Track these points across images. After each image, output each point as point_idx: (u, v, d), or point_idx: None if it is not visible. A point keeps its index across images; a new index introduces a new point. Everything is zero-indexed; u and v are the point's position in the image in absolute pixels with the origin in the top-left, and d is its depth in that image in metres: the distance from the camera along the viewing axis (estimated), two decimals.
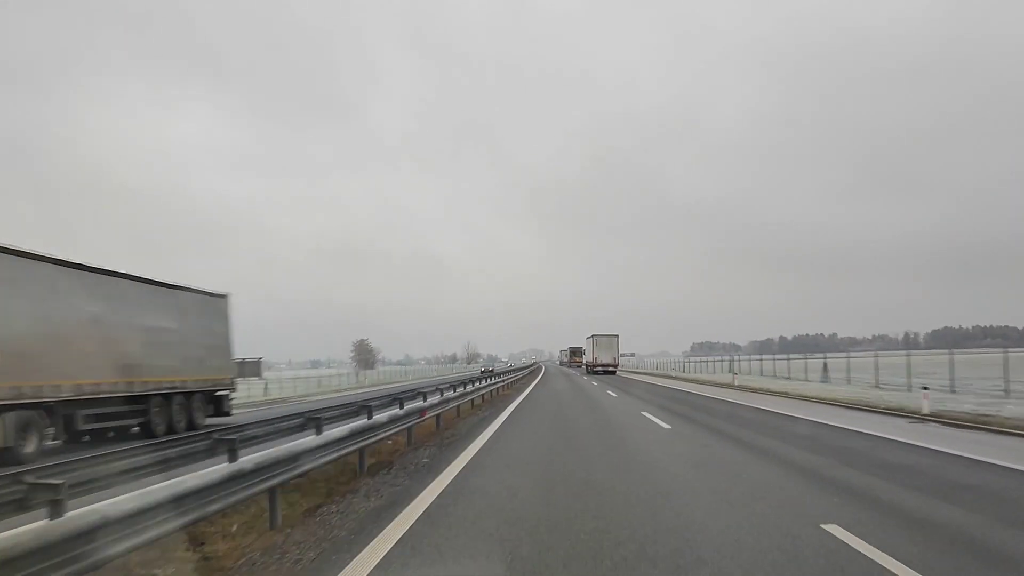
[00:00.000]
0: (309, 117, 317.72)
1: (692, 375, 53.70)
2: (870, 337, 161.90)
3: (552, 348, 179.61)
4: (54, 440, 13.63)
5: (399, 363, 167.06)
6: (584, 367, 73.22)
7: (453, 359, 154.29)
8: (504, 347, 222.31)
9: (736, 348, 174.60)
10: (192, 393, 18.08)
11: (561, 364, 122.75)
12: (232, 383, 20.87)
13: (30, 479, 4.57)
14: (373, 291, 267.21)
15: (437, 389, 16.80)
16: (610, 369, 60.46)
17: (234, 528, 6.05)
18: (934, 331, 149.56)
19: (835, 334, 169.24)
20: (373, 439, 9.51)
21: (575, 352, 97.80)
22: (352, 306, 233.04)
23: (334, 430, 7.95)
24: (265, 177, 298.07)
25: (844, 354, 39.77)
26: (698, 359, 76.70)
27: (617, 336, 61.89)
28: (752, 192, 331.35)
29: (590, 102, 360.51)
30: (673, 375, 54.54)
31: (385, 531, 5.79)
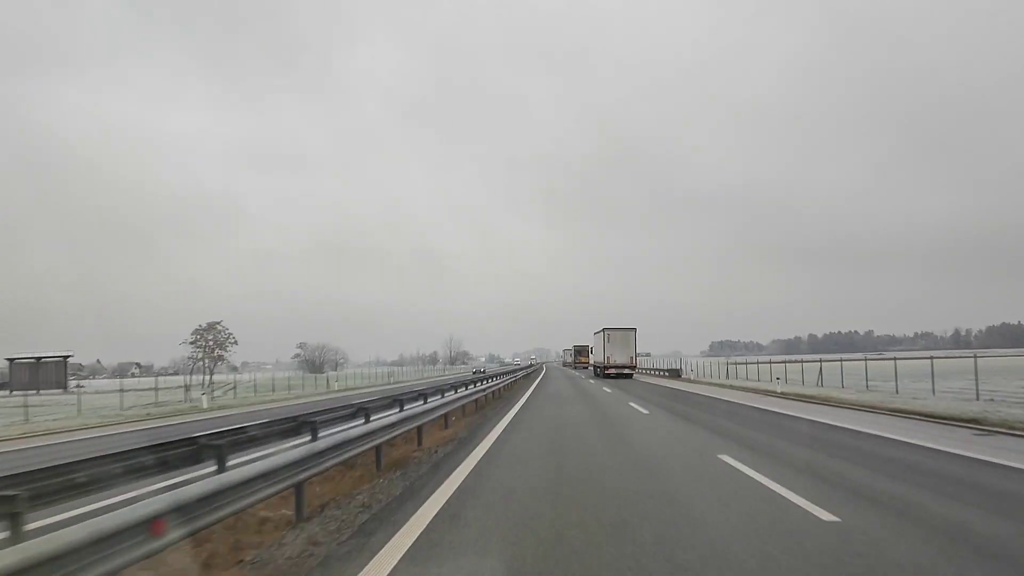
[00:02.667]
0: (295, 100, 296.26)
1: (736, 382, 40.79)
2: (911, 335, 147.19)
3: (558, 348, 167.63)
4: None
5: (393, 363, 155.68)
6: (592, 369, 60.86)
7: (434, 360, 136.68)
8: (508, 347, 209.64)
9: (758, 347, 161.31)
10: None
11: (564, 365, 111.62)
12: None
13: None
14: (371, 289, 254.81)
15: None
16: (625, 372, 48.02)
17: None
18: (990, 327, 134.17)
19: (871, 332, 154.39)
20: None
21: (580, 351, 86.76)
22: (351, 305, 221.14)
23: None
24: (250, 167, 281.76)
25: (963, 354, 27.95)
26: (738, 360, 63.97)
27: (635, 330, 49.28)
28: (778, 176, 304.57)
29: (602, 75, 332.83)
30: (712, 382, 41.76)
31: None
